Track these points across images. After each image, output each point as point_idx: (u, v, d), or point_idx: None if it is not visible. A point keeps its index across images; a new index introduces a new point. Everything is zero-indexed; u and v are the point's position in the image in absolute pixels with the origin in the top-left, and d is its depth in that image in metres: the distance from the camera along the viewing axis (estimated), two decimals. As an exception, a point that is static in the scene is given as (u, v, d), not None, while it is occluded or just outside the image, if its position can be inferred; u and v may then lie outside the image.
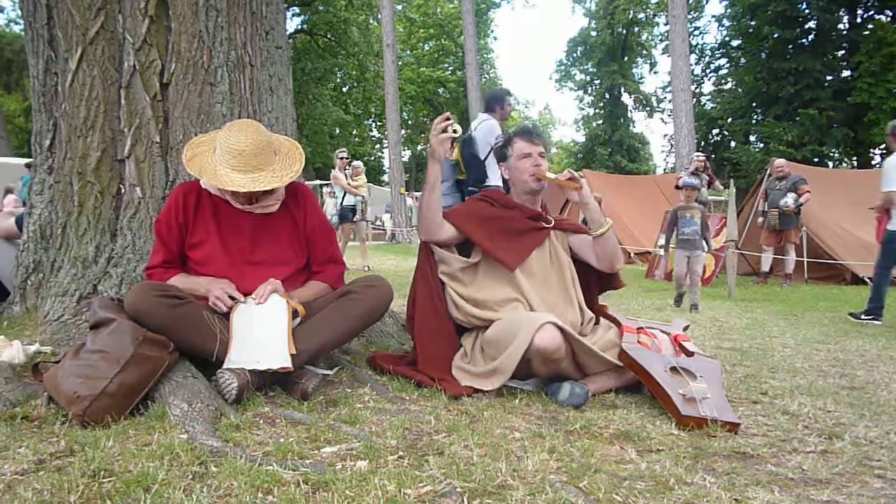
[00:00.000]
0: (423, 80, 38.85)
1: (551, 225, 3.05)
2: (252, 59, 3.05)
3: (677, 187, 11.11)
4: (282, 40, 3.26)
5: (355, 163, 11.08)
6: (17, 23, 27.42)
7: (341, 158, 10.52)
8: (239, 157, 2.45)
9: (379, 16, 26.81)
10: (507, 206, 3.05)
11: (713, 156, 25.91)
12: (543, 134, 3.15)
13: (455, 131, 2.77)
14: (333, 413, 2.27)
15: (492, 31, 43.06)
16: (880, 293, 6.17)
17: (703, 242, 6.86)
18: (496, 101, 6.49)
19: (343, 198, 10.39)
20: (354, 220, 10.43)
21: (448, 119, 2.77)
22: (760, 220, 10.11)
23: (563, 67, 42.05)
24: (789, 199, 9.76)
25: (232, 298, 2.48)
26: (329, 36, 33.11)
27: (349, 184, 10.28)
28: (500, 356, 2.61)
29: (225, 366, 2.31)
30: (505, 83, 40.53)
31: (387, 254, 14.76)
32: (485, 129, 6.06)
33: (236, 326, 2.40)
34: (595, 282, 3.17)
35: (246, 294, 2.52)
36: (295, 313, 2.53)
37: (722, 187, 11.40)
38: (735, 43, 27.16)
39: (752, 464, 1.97)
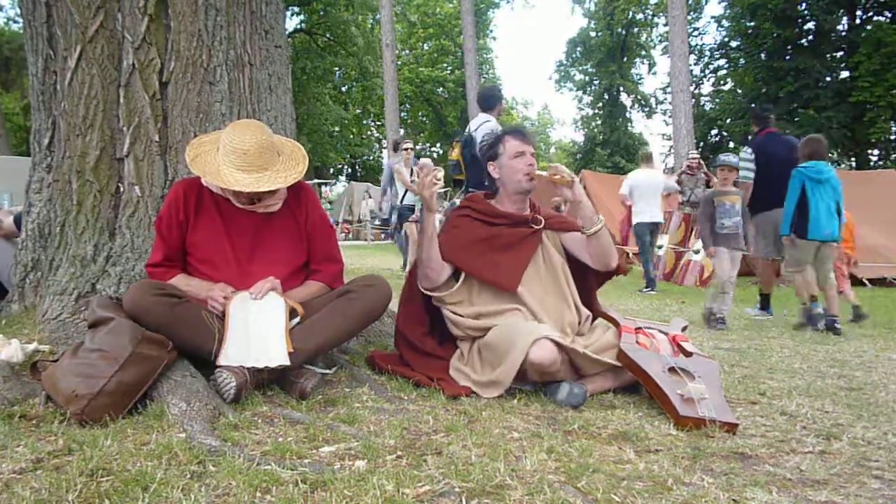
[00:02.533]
0: (422, 79, 38.85)
1: (541, 225, 2.98)
2: (251, 58, 3.05)
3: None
4: (281, 39, 3.26)
5: (423, 160, 9.64)
6: (16, 21, 27.37)
7: (406, 150, 9.30)
8: (243, 157, 2.45)
9: (378, 15, 26.83)
10: (492, 217, 2.97)
11: (710, 156, 25.92)
12: (532, 134, 3.12)
13: (440, 179, 2.75)
14: (332, 412, 2.28)
15: (491, 32, 43.05)
16: (647, 269, 9.00)
17: (743, 239, 5.62)
18: (497, 100, 6.43)
19: (403, 195, 9.42)
20: (412, 220, 9.33)
21: (433, 171, 2.75)
22: None
23: (562, 68, 42.05)
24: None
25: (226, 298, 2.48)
26: (328, 35, 33.10)
27: (412, 181, 9.03)
28: (497, 366, 2.60)
29: (221, 361, 2.31)
30: (504, 83, 40.56)
31: (387, 254, 14.73)
32: (486, 130, 6.01)
33: (233, 320, 2.40)
34: (594, 274, 3.08)
35: None
36: (294, 313, 2.53)
37: None
38: (734, 44, 27.16)
39: (751, 464, 1.97)
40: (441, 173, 2.76)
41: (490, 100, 6.45)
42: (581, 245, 2.97)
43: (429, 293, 2.93)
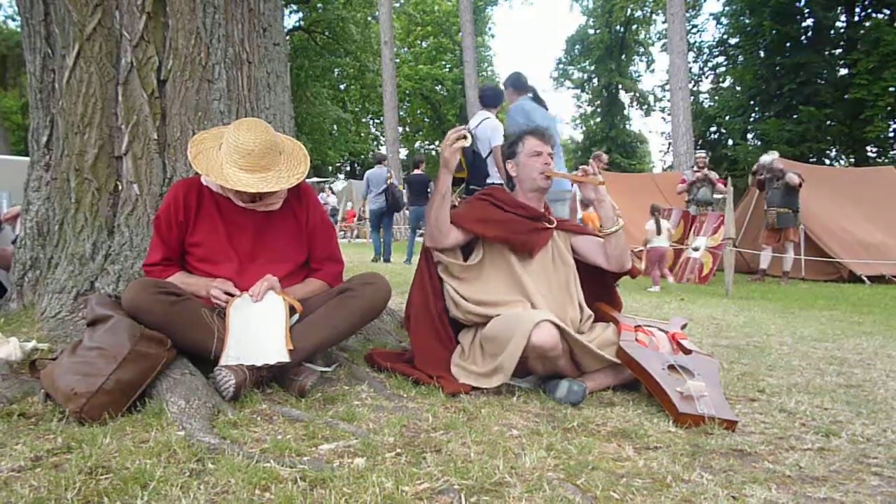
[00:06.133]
0: (420, 77, 38.84)
1: (554, 225, 3.03)
2: (250, 55, 3.04)
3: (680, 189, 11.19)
4: (279, 37, 3.25)
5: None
6: (13, 19, 27.31)
7: None
8: (248, 157, 2.45)
9: (377, 13, 26.83)
10: (510, 207, 3.01)
11: (710, 153, 25.93)
12: (552, 135, 3.14)
13: (466, 139, 2.76)
14: (331, 410, 2.28)
15: (489, 29, 43.09)
16: None
17: None
18: (501, 99, 6.49)
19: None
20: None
21: (460, 131, 2.76)
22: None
23: (561, 66, 42.07)
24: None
25: (229, 294, 2.48)
26: (327, 33, 33.06)
27: None
28: (500, 354, 2.61)
29: (222, 362, 2.31)
30: (503, 81, 40.58)
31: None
32: (489, 126, 6.03)
33: (233, 322, 2.40)
34: (608, 274, 3.11)
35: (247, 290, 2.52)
36: (293, 310, 2.53)
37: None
38: (733, 41, 27.13)
39: (750, 461, 1.97)
40: (469, 141, 2.77)
41: (495, 98, 6.54)
42: (594, 247, 3.03)
43: (433, 251, 2.97)
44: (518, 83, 5.99)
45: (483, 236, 2.93)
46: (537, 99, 5.86)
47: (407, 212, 11.61)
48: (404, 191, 12.07)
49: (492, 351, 2.68)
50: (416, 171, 11.46)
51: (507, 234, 2.91)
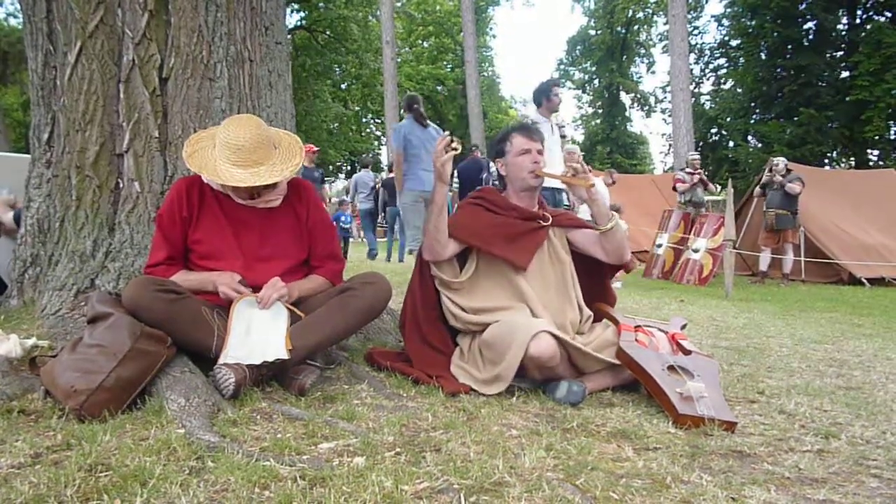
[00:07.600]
0: (422, 77, 38.83)
1: (549, 223, 3.01)
2: (251, 54, 3.04)
3: (675, 189, 11.23)
4: (281, 36, 3.25)
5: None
6: (15, 16, 27.26)
7: None
8: (238, 152, 2.44)
9: (378, 13, 26.83)
10: (503, 209, 2.99)
11: (710, 155, 25.92)
12: (540, 130, 3.11)
13: (455, 149, 2.70)
14: (331, 409, 2.28)
15: (491, 29, 43.05)
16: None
17: None
18: (540, 95, 6.53)
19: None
20: None
21: (449, 140, 2.72)
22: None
23: (562, 66, 42.06)
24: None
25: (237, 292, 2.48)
26: (328, 32, 33.05)
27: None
28: (498, 363, 2.60)
29: (221, 360, 2.31)
30: (503, 81, 40.60)
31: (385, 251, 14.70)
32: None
33: (235, 322, 2.39)
34: (604, 269, 3.12)
35: (252, 287, 2.52)
36: (295, 317, 2.53)
37: (719, 187, 11.58)
38: (734, 42, 27.13)
39: (749, 463, 1.97)
40: (459, 147, 2.73)
41: (534, 97, 6.63)
42: (591, 241, 3.00)
43: (431, 265, 2.95)
44: (407, 103, 7.24)
45: (475, 247, 2.91)
46: (418, 119, 6.99)
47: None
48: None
49: (491, 357, 2.67)
50: (390, 175, 11.93)
51: (502, 247, 2.88)
